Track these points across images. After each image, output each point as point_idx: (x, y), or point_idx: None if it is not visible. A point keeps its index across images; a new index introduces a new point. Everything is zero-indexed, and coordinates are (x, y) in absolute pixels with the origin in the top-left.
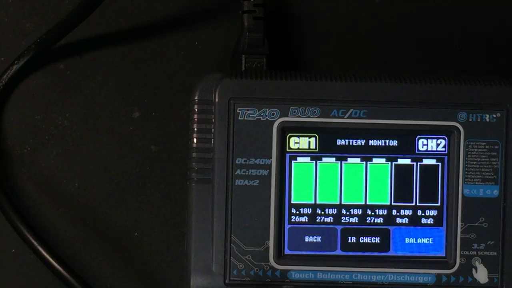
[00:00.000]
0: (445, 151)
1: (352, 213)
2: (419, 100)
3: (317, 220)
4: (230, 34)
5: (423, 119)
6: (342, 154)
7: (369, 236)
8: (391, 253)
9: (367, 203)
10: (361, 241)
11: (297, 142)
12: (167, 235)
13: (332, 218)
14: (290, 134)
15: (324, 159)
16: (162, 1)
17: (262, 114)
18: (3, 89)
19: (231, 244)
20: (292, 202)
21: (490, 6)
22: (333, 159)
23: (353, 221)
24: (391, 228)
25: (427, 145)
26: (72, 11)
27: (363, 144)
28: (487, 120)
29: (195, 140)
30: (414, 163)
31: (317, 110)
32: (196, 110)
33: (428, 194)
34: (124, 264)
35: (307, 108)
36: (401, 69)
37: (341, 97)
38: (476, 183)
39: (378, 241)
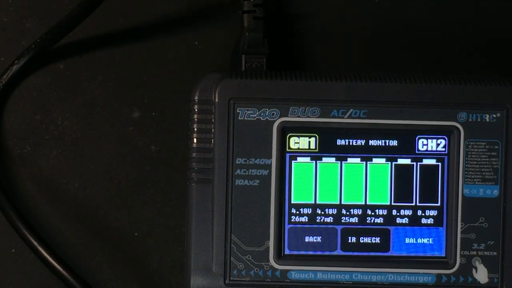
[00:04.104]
0: (445, 151)
1: (352, 213)
2: (419, 100)
3: (317, 220)
4: (230, 34)
5: (423, 119)
6: (342, 154)
7: (369, 236)
8: (391, 253)
9: (367, 203)
10: (361, 241)
11: (297, 142)
12: (167, 235)
13: (332, 218)
14: (290, 134)
15: (324, 159)
16: (162, 1)
17: (262, 114)
18: (3, 89)
19: (231, 244)
20: (292, 202)
21: (490, 6)
22: (333, 159)
23: (353, 221)
24: (391, 228)
25: (427, 145)
26: (72, 11)
27: (363, 144)
28: (487, 120)
29: (195, 140)
30: (414, 163)
31: (317, 110)
32: (196, 110)
33: (428, 194)
34: (124, 264)
35: (307, 108)
36: (401, 69)
37: (341, 97)
38: (476, 183)
39: (378, 241)
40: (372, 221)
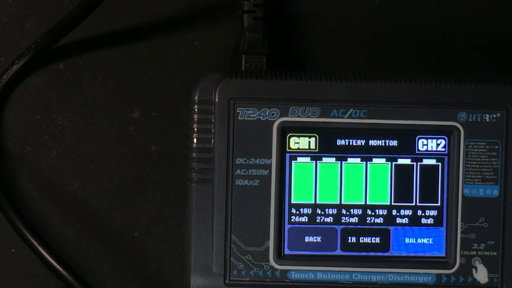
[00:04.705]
0: (445, 151)
1: (352, 213)
2: (419, 100)
3: (317, 220)
4: (230, 34)
5: (423, 119)
6: (342, 154)
7: (369, 236)
8: (391, 253)
9: (367, 203)
10: (361, 241)
11: (297, 142)
12: (167, 235)
13: (332, 218)
14: (290, 134)
15: (324, 159)
16: (162, 1)
17: (262, 114)
18: (3, 89)
19: (231, 244)
20: (292, 202)
21: (490, 6)
22: (333, 159)
23: (353, 221)
24: (391, 228)
25: (427, 145)
26: (72, 11)
27: (363, 144)
28: (487, 120)
29: (195, 140)
30: (414, 163)
31: (317, 110)
32: (196, 110)
33: (428, 194)
34: (124, 264)
35: (307, 108)
36: (401, 69)
37: (341, 97)
38: (476, 183)
39: (378, 241)
40: (372, 221)
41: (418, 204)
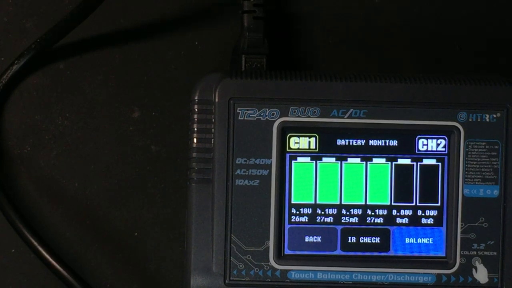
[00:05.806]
0: (445, 151)
1: (352, 213)
2: (419, 100)
3: (317, 220)
4: (230, 34)
5: (423, 119)
6: (342, 154)
7: (369, 236)
8: (391, 253)
9: (367, 203)
10: (361, 241)
11: (297, 142)
12: (167, 235)
13: (332, 218)
14: (290, 134)
15: (324, 159)
16: (162, 1)
17: (262, 114)
18: (3, 89)
19: (231, 244)
20: (292, 202)
21: (490, 6)
22: (333, 159)
23: (353, 221)
24: (391, 228)
25: (427, 145)
26: (72, 11)
27: (363, 144)
28: (487, 120)
29: (195, 140)
30: (414, 163)
31: (317, 110)
32: (196, 110)
33: (428, 194)
34: (124, 264)
35: (307, 108)
36: (401, 69)
37: (341, 97)
38: (476, 183)
39: (378, 241)
40: (372, 221)
41: (418, 204)
